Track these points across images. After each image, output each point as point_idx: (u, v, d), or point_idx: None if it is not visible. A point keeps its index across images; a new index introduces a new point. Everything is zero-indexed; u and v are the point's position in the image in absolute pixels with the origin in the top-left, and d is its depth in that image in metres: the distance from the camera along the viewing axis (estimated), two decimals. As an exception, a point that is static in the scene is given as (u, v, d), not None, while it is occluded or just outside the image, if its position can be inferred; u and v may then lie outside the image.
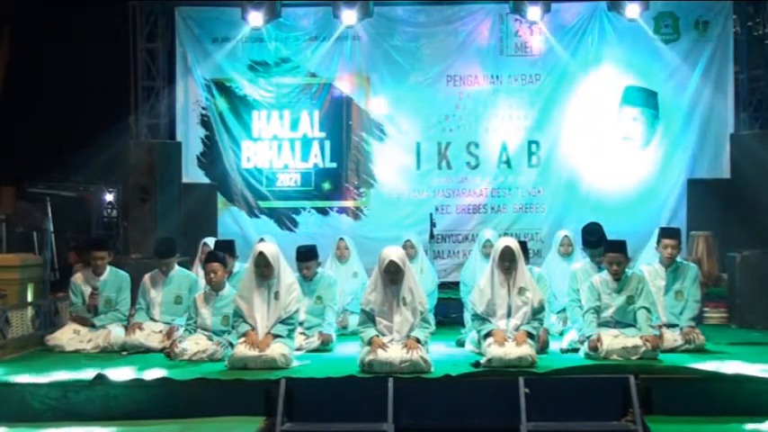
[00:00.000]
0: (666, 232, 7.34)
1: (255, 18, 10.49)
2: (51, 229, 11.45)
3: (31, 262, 9.46)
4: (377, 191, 11.17)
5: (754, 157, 9.57)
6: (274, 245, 6.97)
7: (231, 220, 11.09)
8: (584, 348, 6.61)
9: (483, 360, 6.18)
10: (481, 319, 6.48)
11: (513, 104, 11.04)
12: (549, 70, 11.00)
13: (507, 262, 6.46)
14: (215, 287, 6.89)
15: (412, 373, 5.89)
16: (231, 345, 6.45)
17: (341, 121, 11.17)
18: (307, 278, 7.47)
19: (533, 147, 11.05)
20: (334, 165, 11.19)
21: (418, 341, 6.11)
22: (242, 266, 7.56)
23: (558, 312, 7.85)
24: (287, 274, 6.64)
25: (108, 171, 12.90)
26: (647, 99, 10.97)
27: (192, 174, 11.03)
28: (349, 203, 11.19)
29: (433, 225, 9.86)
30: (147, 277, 7.64)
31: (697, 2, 10.91)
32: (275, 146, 11.19)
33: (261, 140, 11.19)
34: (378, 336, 6.19)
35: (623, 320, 6.67)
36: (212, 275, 6.85)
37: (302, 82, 11.16)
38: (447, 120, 11.10)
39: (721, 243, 9.53)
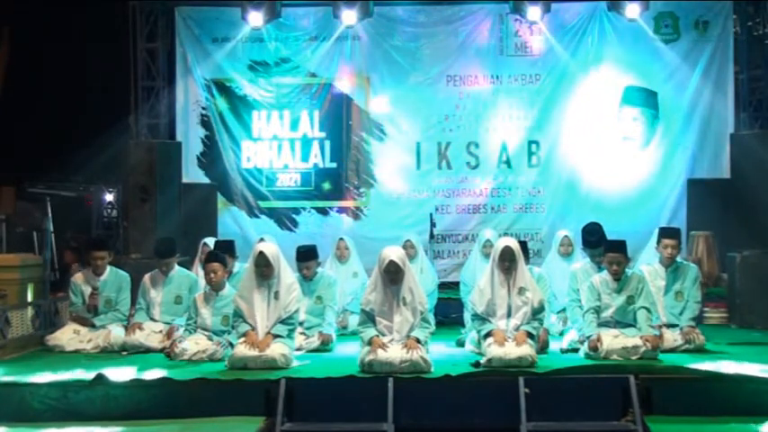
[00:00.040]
0: (666, 232, 7.34)
1: (255, 18, 10.50)
2: (51, 229, 11.43)
3: (31, 262, 9.45)
4: (377, 191, 11.17)
5: (754, 157, 9.57)
6: (274, 245, 6.96)
7: (231, 220, 11.09)
8: (584, 348, 6.61)
9: (483, 360, 6.18)
10: (481, 319, 6.48)
11: (513, 104, 11.04)
12: (549, 70, 11.00)
13: (507, 262, 6.46)
14: (215, 287, 6.89)
15: (412, 373, 5.89)
16: (231, 345, 6.45)
17: (341, 121, 11.17)
18: (307, 278, 7.47)
19: (533, 147, 11.05)
20: (334, 165, 11.19)
21: (418, 341, 6.11)
22: (242, 266, 7.56)
23: (558, 312, 7.85)
24: (287, 274, 6.64)
25: (108, 171, 12.90)
26: (647, 99, 10.97)
27: (192, 174, 11.03)
28: (349, 203, 11.19)
29: (433, 225, 9.86)
30: (147, 277, 7.65)
31: (697, 2, 10.91)
32: (275, 146, 11.19)
33: (261, 140, 11.19)
34: (378, 336, 6.19)
35: (623, 320, 6.67)
36: (212, 275, 6.85)
37: (302, 82, 11.16)
38: (447, 120, 11.10)
39: (721, 243, 9.53)
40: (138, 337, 7.22)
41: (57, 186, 14.14)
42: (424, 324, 6.29)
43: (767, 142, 9.59)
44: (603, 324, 6.66)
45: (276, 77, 11.15)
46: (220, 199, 11.03)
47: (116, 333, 7.29)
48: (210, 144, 11.21)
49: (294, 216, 11.17)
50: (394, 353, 6.01)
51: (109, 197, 14.09)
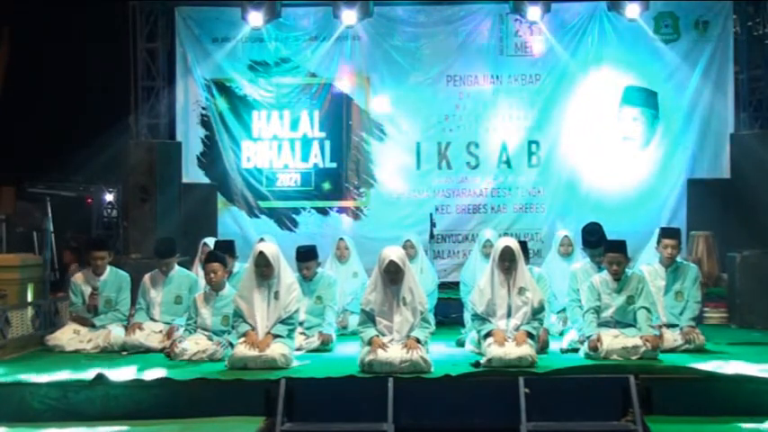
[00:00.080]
0: (666, 232, 7.34)
1: (255, 18, 10.49)
2: (51, 229, 11.45)
3: (31, 262, 9.46)
4: (377, 191, 11.17)
5: (754, 157, 9.57)
6: (274, 245, 6.96)
7: (231, 220, 11.09)
8: (584, 348, 6.61)
9: (483, 360, 6.18)
10: (481, 319, 6.48)
11: (513, 104, 11.04)
12: (549, 70, 11.00)
13: (507, 262, 6.46)
14: (215, 287, 6.89)
15: (412, 373, 5.89)
16: (231, 345, 6.45)
17: (341, 121, 11.17)
18: (307, 278, 7.47)
19: (533, 147, 11.05)
20: (334, 165, 11.19)
21: (418, 341, 6.11)
22: (242, 266, 7.56)
23: (558, 312, 7.85)
24: (287, 274, 6.64)
25: (108, 171, 12.91)
26: (647, 99, 10.97)
27: (192, 174, 11.03)
28: (349, 203, 11.19)
29: (433, 225, 9.86)
30: (147, 277, 7.64)
31: (697, 2, 10.91)
32: (275, 146, 11.18)
33: (261, 140, 11.19)
34: (378, 336, 6.19)
35: (623, 320, 6.67)
36: (212, 275, 6.85)
37: (302, 82, 11.16)
38: (447, 120, 11.10)
39: (721, 243, 9.53)
40: (138, 337, 7.22)
41: (57, 186, 14.15)
42: (424, 324, 6.29)
43: (767, 142, 9.59)
44: (603, 324, 6.66)
45: (276, 77, 11.15)
46: (220, 199, 11.03)
47: (116, 333, 7.29)
48: (210, 144, 11.21)
49: (294, 216, 11.17)
50: (394, 353, 6.01)
51: (109, 197, 14.10)
